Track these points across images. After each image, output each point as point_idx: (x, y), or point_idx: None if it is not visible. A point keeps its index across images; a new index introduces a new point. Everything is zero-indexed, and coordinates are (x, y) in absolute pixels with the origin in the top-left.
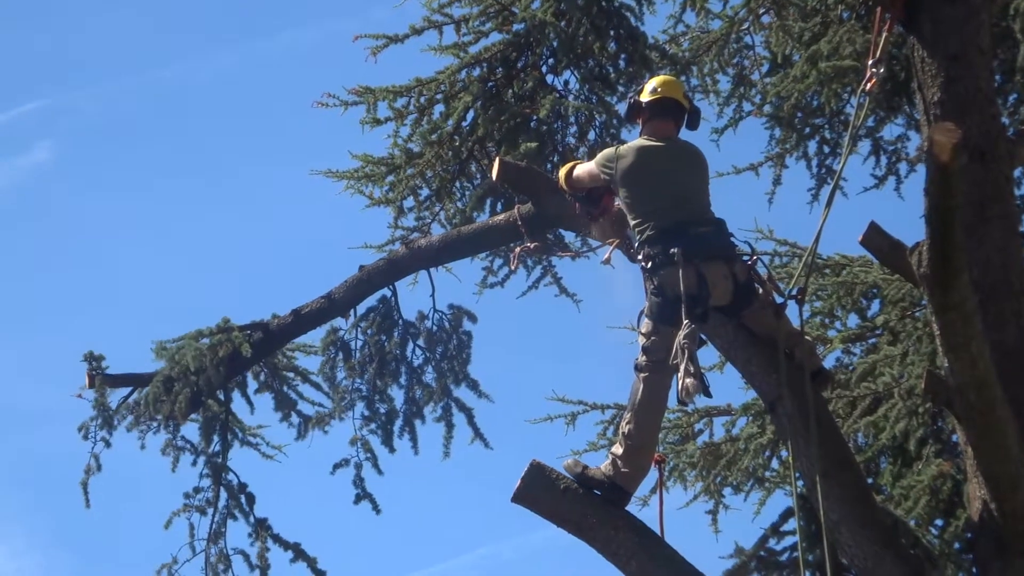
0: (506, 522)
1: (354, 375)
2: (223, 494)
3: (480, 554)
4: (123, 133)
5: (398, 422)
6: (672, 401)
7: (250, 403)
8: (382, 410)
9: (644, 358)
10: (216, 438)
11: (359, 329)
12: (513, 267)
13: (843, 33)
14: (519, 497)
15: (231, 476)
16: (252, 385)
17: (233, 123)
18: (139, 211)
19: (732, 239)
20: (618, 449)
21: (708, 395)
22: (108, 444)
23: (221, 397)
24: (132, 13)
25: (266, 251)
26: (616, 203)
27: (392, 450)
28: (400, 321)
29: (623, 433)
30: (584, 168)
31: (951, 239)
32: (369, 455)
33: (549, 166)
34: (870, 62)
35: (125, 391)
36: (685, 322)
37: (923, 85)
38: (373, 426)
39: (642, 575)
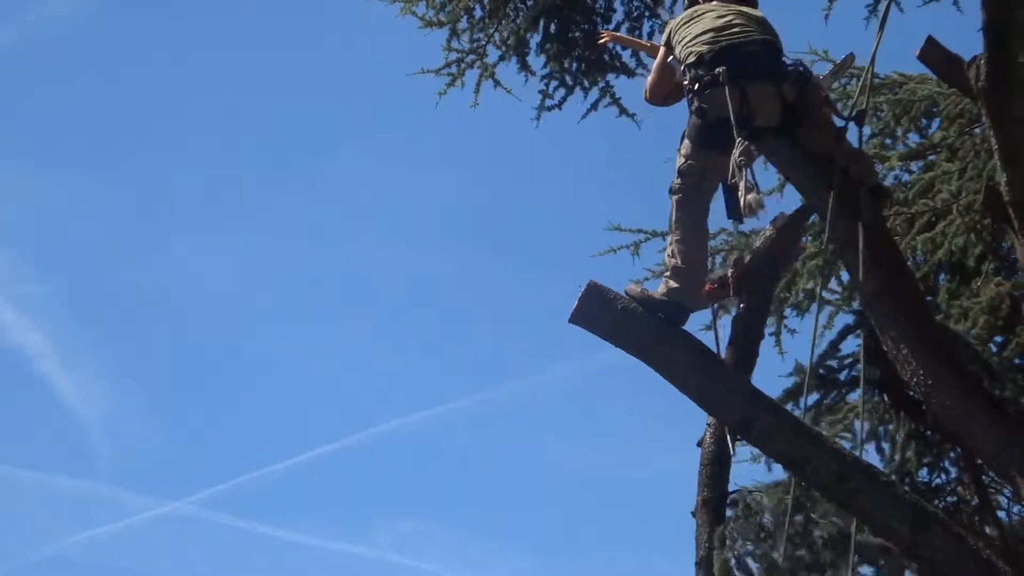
0: (565, 344)
1: None
2: None
3: (539, 377)
4: None
5: None
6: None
7: None
8: None
9: (679, 180)
10: None
11: None
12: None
13: None
14: (577, 317)
15: None
16: None
17: None
18: (187, 36)
19: (784, 59)
20: (668, 271)
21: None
22: None
23: None
24: None
25: (320, 78)
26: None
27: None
28: None
29: (668, 254)
30: (653, 70)
31: (1010, 52)
32: None
33: None
34: None
35: None
36: (738, 140)
37: None
38: None
39: (700, 394)
